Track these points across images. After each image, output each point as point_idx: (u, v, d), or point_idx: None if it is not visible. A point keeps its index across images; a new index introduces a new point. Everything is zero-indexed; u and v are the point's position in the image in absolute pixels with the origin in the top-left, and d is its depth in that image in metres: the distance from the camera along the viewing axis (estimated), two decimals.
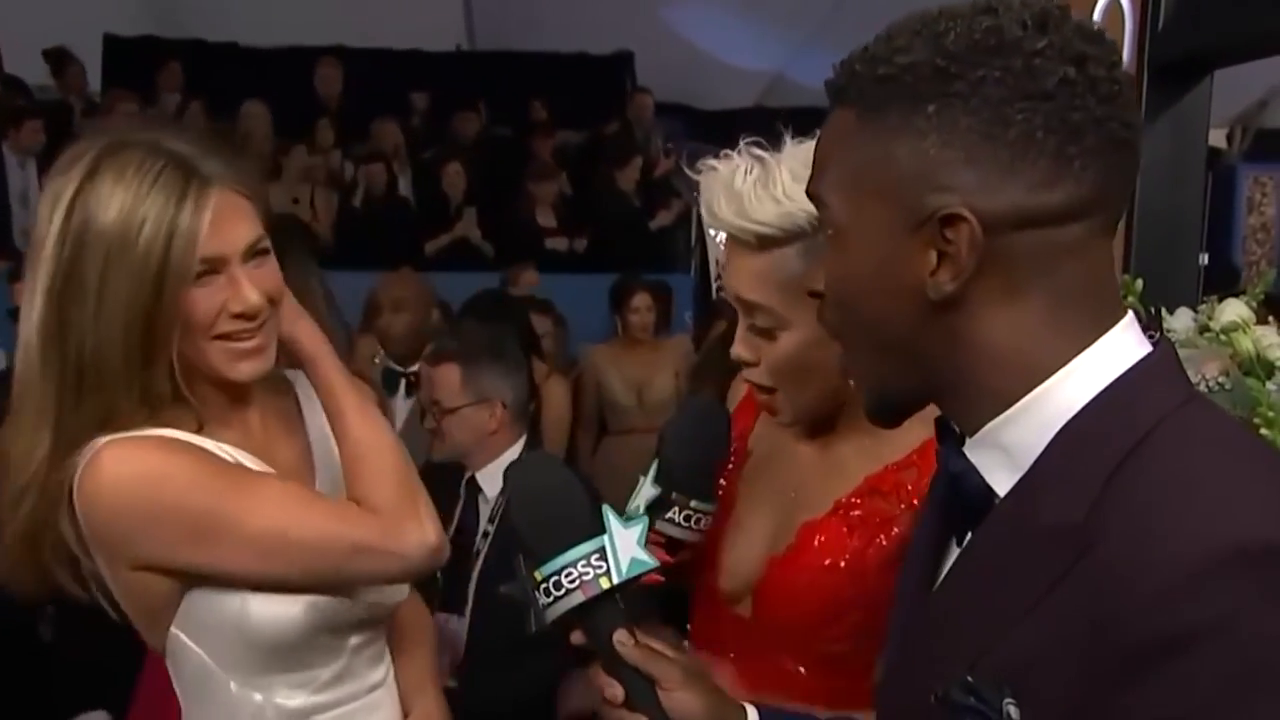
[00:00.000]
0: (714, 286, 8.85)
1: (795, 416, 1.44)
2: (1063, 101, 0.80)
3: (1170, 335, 1.79)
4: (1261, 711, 0.70)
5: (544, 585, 1.12)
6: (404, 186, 7.18)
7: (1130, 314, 0.87)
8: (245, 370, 1.35)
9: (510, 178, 7.41)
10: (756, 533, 1.50)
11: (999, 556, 0.85)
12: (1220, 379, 1.65)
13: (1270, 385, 1.65)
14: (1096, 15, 2.20)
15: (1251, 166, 9.10)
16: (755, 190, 1.32)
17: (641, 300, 4.99)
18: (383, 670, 1.54)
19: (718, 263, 9.07)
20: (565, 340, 5.08)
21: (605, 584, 1.12)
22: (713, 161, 1.37)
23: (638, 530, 1.16)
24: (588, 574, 1.12)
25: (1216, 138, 9.15)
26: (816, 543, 1.42)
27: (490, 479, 2.65)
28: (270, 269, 1.35)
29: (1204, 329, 1.78)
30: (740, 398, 1.65)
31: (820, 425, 1.49)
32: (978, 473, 0.87)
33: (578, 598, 1.12)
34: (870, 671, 1.07)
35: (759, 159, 1.33)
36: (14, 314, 3.24)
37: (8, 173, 6.41)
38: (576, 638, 1.15)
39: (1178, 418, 0.81)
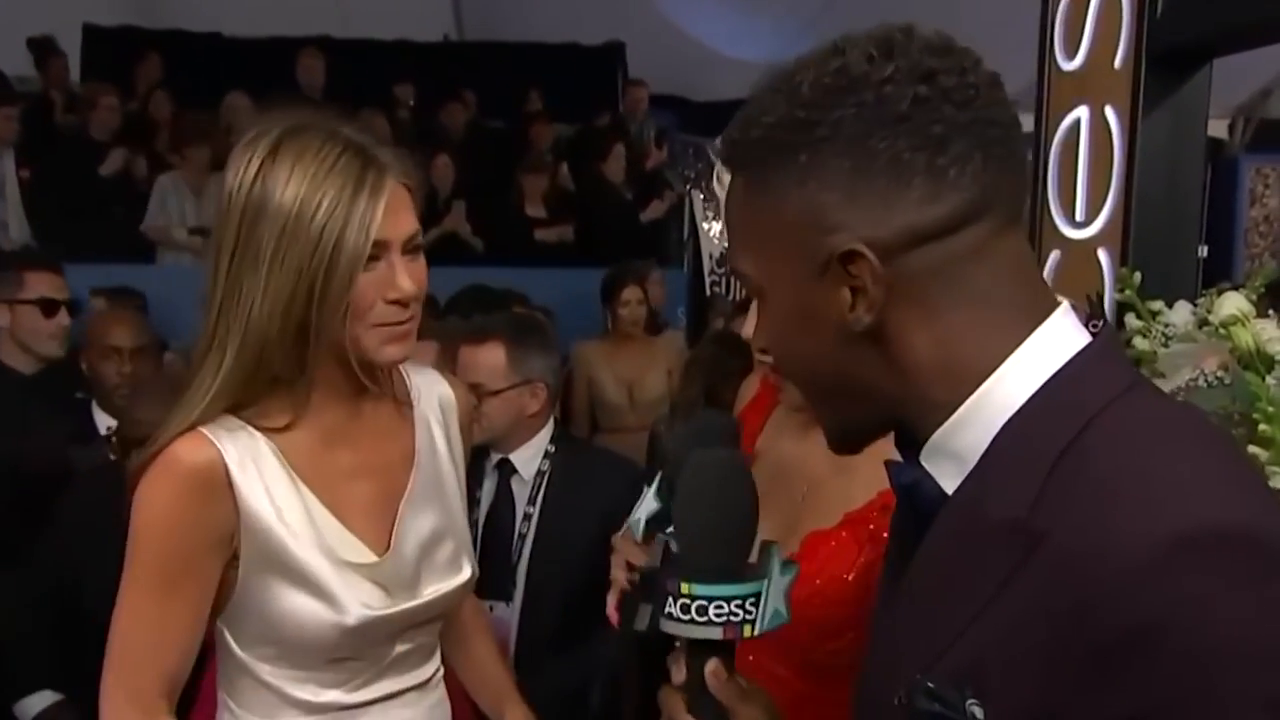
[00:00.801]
0: (707, 281, 8.86)
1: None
2: (920, 119, 0.82)
3: (1169, 329, 1.76)
4: (1228, 694, 0.70)
5: (686, 601, 1.01)
6: None
7: (1065, 304, 0.88)
8: (392, 353, 1.39)
9: (500, 170, 7.37)
10: (761, 537, 1.46)
11: (948, 556, 0.86)
12: (1219, 373, 1.62)
13: (1270, 380, 1.62)
14: (1093, 3, 2.18)
15: (1254, 158, 9.11)
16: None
17: (632, 294, 4.89)
18: (429, 669, 1.56)
19: (711, 257, 9.07)
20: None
21: (748, 632, 1.02)
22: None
23: (789, 580, 1.06)
24: (737, 616, 1.02)
25: (1219, 129, 9.13)
26: (822, 553, 1.40)
27: (526, 461, 2.58)
28: (421, 265, 1.41)
29: (1203, 322, 1.75)
30: (750, 397, 1.63)
31: None
32: (932, 480, 0.89)
33: (715, 633, 1.02)
34: None
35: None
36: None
37: None
38: (677, 674, 1.06)
39: (1119, 406, 0.82)
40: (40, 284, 3.14)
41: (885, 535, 1.32)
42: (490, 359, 2.51)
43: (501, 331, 2.56)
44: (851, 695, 1.02)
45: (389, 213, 1.34)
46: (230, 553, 1.36)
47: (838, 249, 0.84)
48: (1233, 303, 1.73)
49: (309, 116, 1.38)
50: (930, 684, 0.81)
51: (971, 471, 0.85)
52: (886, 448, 1.38)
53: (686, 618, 1.01)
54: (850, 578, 1.37)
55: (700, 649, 1.05)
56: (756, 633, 1.03)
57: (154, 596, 1.34)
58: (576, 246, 7.25)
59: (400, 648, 1.48)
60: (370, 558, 1.42)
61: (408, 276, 1.36)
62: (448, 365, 2.51)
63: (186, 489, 1.33)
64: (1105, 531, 0.73)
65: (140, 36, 8.12)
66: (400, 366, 1.53)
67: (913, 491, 0.91)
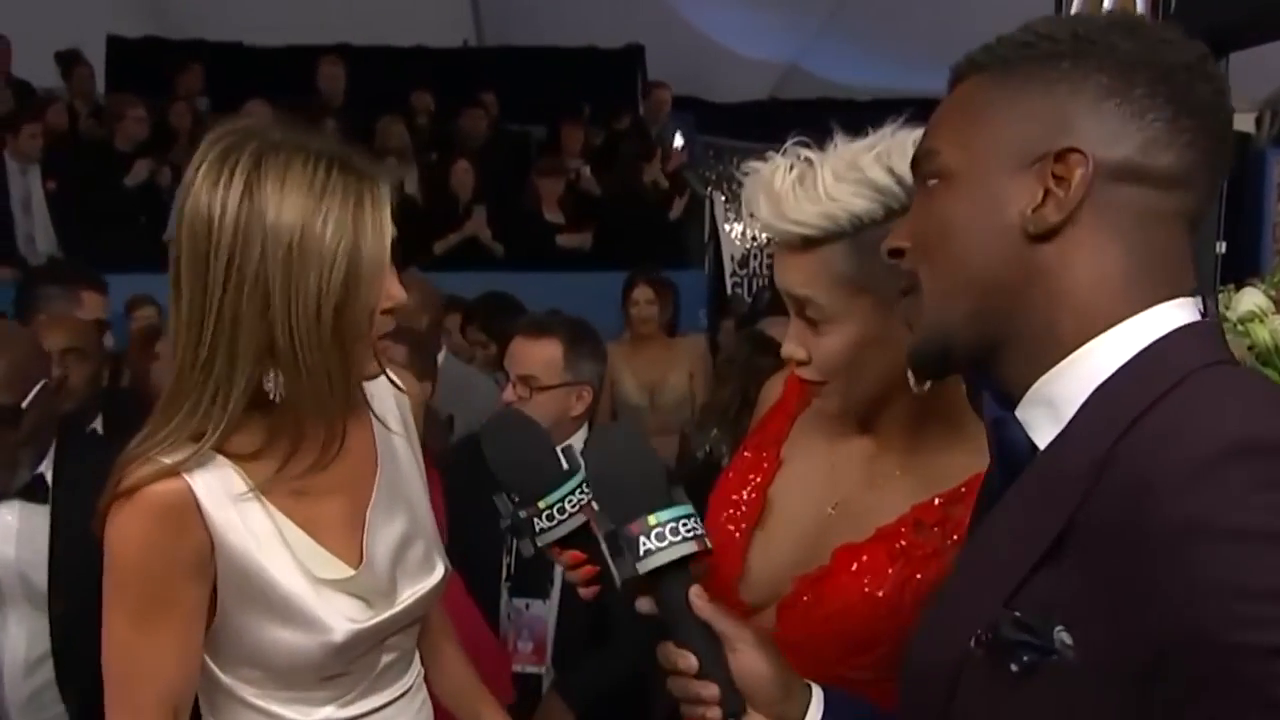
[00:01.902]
0: (728, 283, 8.86)
1: (844, 407, 1.41)
2: (1183, 81, 0.88)
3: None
4: (1272, 582, 0.72)
5: (660, 529, 1.16)
6: (410, 185, 7.15)
7: (1195, 296, 0.92)
8: (374, 367, 1.38)
9: (520, 175, 7.39)
10: (786, 546, 1.44)
11: (1029, 498, 0.89)
12: None
13: None
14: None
15: None
16: (795, 191, 1.31)
17: (641, 293, 4.84)
18: (412, 674, 1.56)
19: (732, 258, 9.07)
20: None
21: (709, 543, 1.18)
22: (755, 163, 1.37)
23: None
24: (698, 529, 1.17)
25: (1245, 123, 9.03)
26: (854, 568, 1.36)
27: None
28: (394, 274, 1.37)
29: (1221, 319, 1.74)
30: (772, 401, 1.60)
31: (865, 430, 1.46)
32: (1020, 426, 0.93)
33: (692, 546, 1.16)
34: (890, 702, 1.04)
35: (803, 159, 1.33)
36: (21, 315, 3.31)
37: (9, 180, 6.41)
38: (644, 604, 1.18)
39: (1207, 372, 0.85)
40: (95, 306, 3.19)
41: (918, 552, 1.33)
42: (547, 353, 2.54)
43: (561, 330, 2.59)
44: (903, 661, 1.02)
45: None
46: (211, 579, 1.33)
47: (1060, 145, 0.88)
48: (1250, 299, 1.72)
49: (264, 124, 1.32)
50: (1018, 613, 0.83)
51: (1066, 426, 0.89)
52: (921, 463, 1.40)
53: (664, 543, 1.15)
54: (882, 594, 1.33)
55: (671, 580, 1.16)
56: (710, 546, 1.18)
57: (138, 627, 1.30)
58: (596, 250, 7.26)
59: (386, 657, 1.48)
60: (346, 572, 1.40)
61: (398, 284, 1.35)
62: (414, 366, 2.53)
63: (157, 523, 1.29)
64: (1171, 444, 0.78)
65: (164, 47, 8.20)
66: None
67: (999, 431, 0.95)
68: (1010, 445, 0.94)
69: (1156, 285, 0.89)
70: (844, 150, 1.32)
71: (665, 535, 1.15)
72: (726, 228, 9.04)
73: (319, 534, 1.40)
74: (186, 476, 1.30)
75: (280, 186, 1.25)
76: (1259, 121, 9.30)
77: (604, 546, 1.19)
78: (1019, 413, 0.94)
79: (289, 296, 1.25)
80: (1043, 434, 0.91)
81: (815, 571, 1.38)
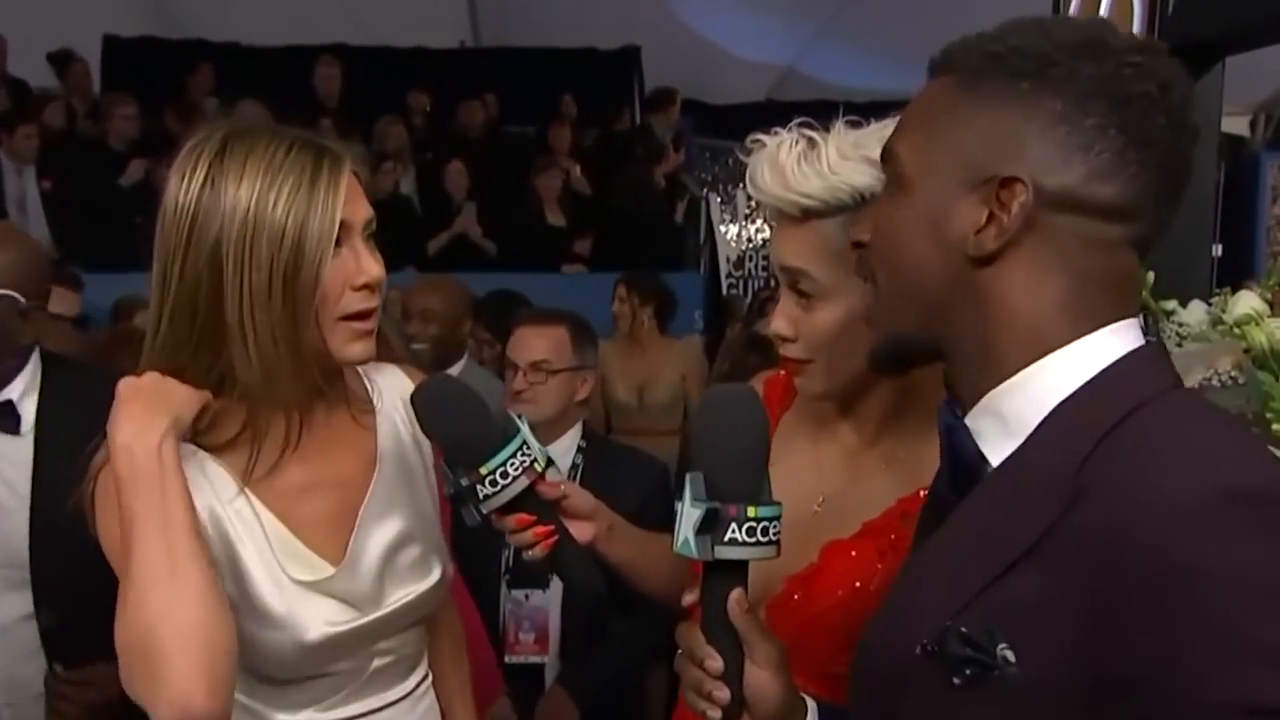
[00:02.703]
0: (724, 284, 8.86)
1: (827, 388, 1.41)
2: (1139, 111, 0.89)
3: (1183, 329, 1.75)
4: (1259, 635, 0.75)
5: (752, 525, 1.10)
6: (406, 186, 7.15)
7: (1138, 318, 0.94)
8: (357, 351, 1.36)
9: (517, 175, 7.39)
10: None
11: (989, 512, 0.91)
12: (1233, 373, 1.61)
13: None
14: (1105, 2, 2.16)
15: (1275, 155, 9.07)
16: (800, 164, 1.33)
17: (619, 291, 4.88)
18: (413, 680, 1.52)
19: (728, 260, 9.07)
20: None
21: (778, 552, 1.12)
22: (761, 136, 1.38)
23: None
24: (779, 535, 1.12)
25: (1240, 126, 9.08)
26: (843, 563, 1.37)
27: (561, 455, 2.66)
28: (378, 255, 1.37)
29: (1217, 322, 1.74)
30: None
31: (845, 415, 1.47)
32: (969, 435, 0.95)
33: (771, 551, 1.11)
34: None
35: (807, 137, 1.35)
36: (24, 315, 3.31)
37: (4, 179, 6.41)
38: (688, 599, 1.15)
39: (1166, 398, 0.89)
40: (66, 302, 3.18)
41: (905, 545, 1.30)
42: (557, 338, 2.66)
43: (565, 317, 2.74)
44: (853, 656, 1.03)
45: (348, 197, 1.32)
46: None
47: (1004, 172, 0.90)
48: (1246, 302, 1.72)
49: (253, 122, 1.36)
50: (963, 629, 0.85)
51: (1024, 443, 0.91)
52: (905, 455, 1.41)
53: (751, 540, 1.09)
54: (872, 588, 1.34)
55: (724, 576, 1.12)
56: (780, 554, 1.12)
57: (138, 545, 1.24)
58: (595, 252, 7.27)
59: (379, 661, 1.45)
60: (325, 571, 1.38)
61: (374, 262, 1.34)
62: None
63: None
64: (1145, 488, 0.80)
65: (161, 47, 8.20)
66: (359, 369, 1.51)
67: (950, 436, 0.97)
68: (960, 453, 0.96)
69: (1098, 310, 0.91)
70: (849, 133, 1.35)
71: (755, 532, 1.09)
72: (722, 229, 9.04)
73: (302, 530, 1.38)
74: None
75: (240, 168, 1.28)
76: (1254, 124, 9.34)
77: (685, 510, 1.11)
78: (969, 421, 0.95)
79: (241, 267, 1.26)
80: (994, 446, 0.93)
81: (804, 570, 1.39)
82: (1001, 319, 0.92)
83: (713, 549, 1.09)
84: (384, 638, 1.44)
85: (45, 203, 6.48)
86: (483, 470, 1.32)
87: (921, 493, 1.35)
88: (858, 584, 1.35)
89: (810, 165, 1.33)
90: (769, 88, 10.18)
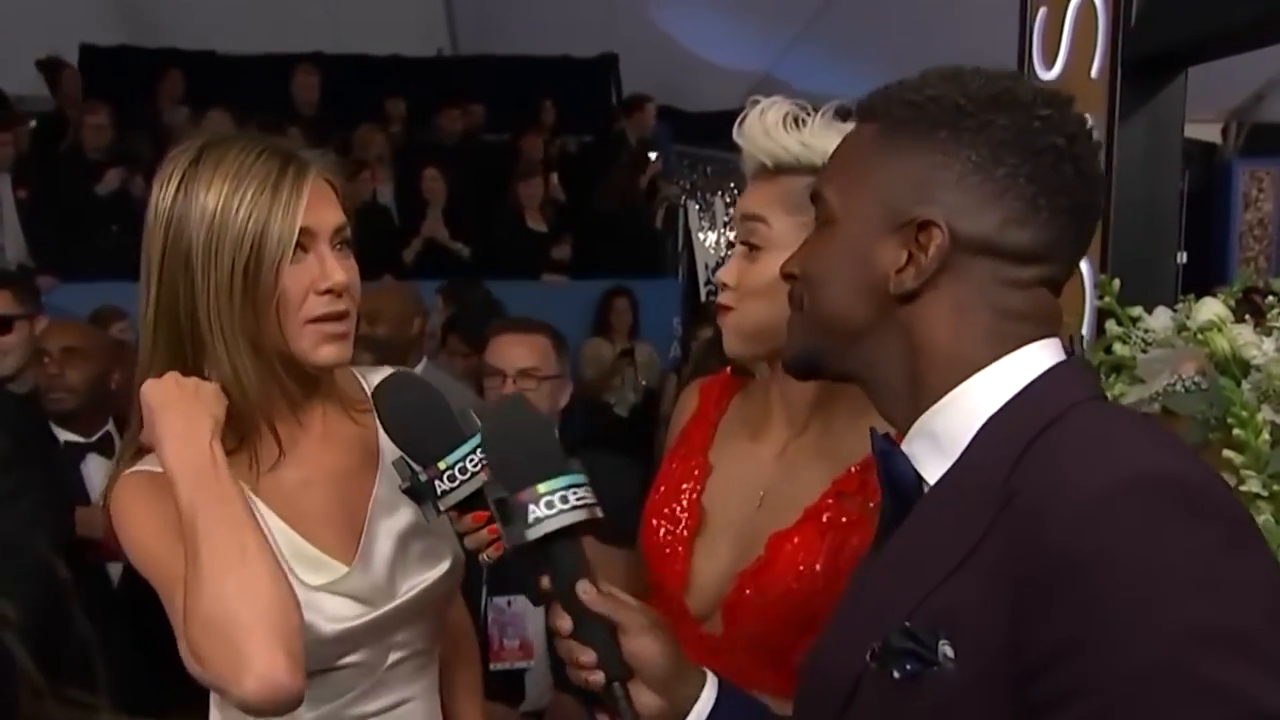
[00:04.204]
0: (702, 291, 8.88)
1: (741, 342, 1.48)
2: (1048, 161, 0.94)
3: (1149, 335, 1.78)
4: (1161, 618, 0.77)
5: (550, 497, 1.15)
6: (385, 196, 7.14)
7: (1057, 339, 0.99)
8: (327, 354, 1.38)
9: (497, 183, 7.39)
10: (723, 548, 1.49)
11: (929, 526, 0.95)
12: (1196, 378, 1.64)
13: (1245, 385, 1.63)
14: (1070, 11, 2.20)
15: (1247, 162, 9.12)
16: (785, 122, 1.45)
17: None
18: (420, 685, 1.53)
19: (706, 266, 9.09)
20: None
21: (599, 512, 1.17)
22: (759, 97, 1.49)
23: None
24: (588, 498, 1.17)
25: (1212, 133, 9.15)
26: (787, 551, 1.42)
27: None
28: (352, 263, 1.41)
29: (1181, 328, 1.77)
30: (689, 413, 1.64)
31: (778, 414, 1.52)
32: (905, 459, 0.99)
33: (582, 515, 1.16)
34: None
35: (800, 108, 1.46)
36: (4, 323, 3.28)
37: None
38: (546, 583, 1.19)
39: (1084, 406, 0.93)
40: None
41: (844, 520, 1.40)
42: (542, 345, 2.69)
43: (544, 326, 2.77)
44: (800, 665, 1.06)
45: (314, 204, 1.35)
46: None
47: (921, 216, 0.95)
48: (1210, 308, 1.74)
49: (233, 132, 1.41)
50: (907, 624, 0.89)
51: (957, 460, 0.95)
52: (832, 442, 1.46)
53: (552, 510, 1.15)
54: (819, 567, 1.40)
55: (562, 548, 1.16)
56: (600, 514, 1.17)
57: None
58: (575, 259, 7.28)
59: (395, 655, 1.47)
60: (338, 571, 1.41)
61: (338, 267, 1.37)
62: None
63: (151, 493, 1.32)
64: (1060, 481, 0.84)
65: (138, 56, 8.14)
66: (354, 370, 1.53)
67: (886, 462, 1.01)
68: (898, 477, 1.00)
69: (1017, 335, 0.96)
70: (833, 112, 1.48)
71: (554, 503, 1.15)
72: (700, 236, 9.07)
73: (308, 530, 1.41)
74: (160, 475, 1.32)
75: (210, 175, 1.33)
76: (1225, 132, 9.41)
77: (495, 514, 1.18)
78: (906, 447, 1.00)
79: (207, 270, 1.32)
80: (930, 467, 0.98)
81: (753, 564, 1.44)
82: (923, 349, 0.97)
83: (523, 532, 1.15)
84: (399, 629, 1.46)
85: (21, 211, 6.45)
86: (441, 465, 1.33)
87: (854, 469, 1.43)
88: (804, 568, 1.40)
89: (793, 126, 1.45)
90: (745, 94, 10.11)
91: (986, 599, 0.85)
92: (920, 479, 0.99)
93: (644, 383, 5.04)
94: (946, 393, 0.96)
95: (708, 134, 9.50)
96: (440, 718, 1.58)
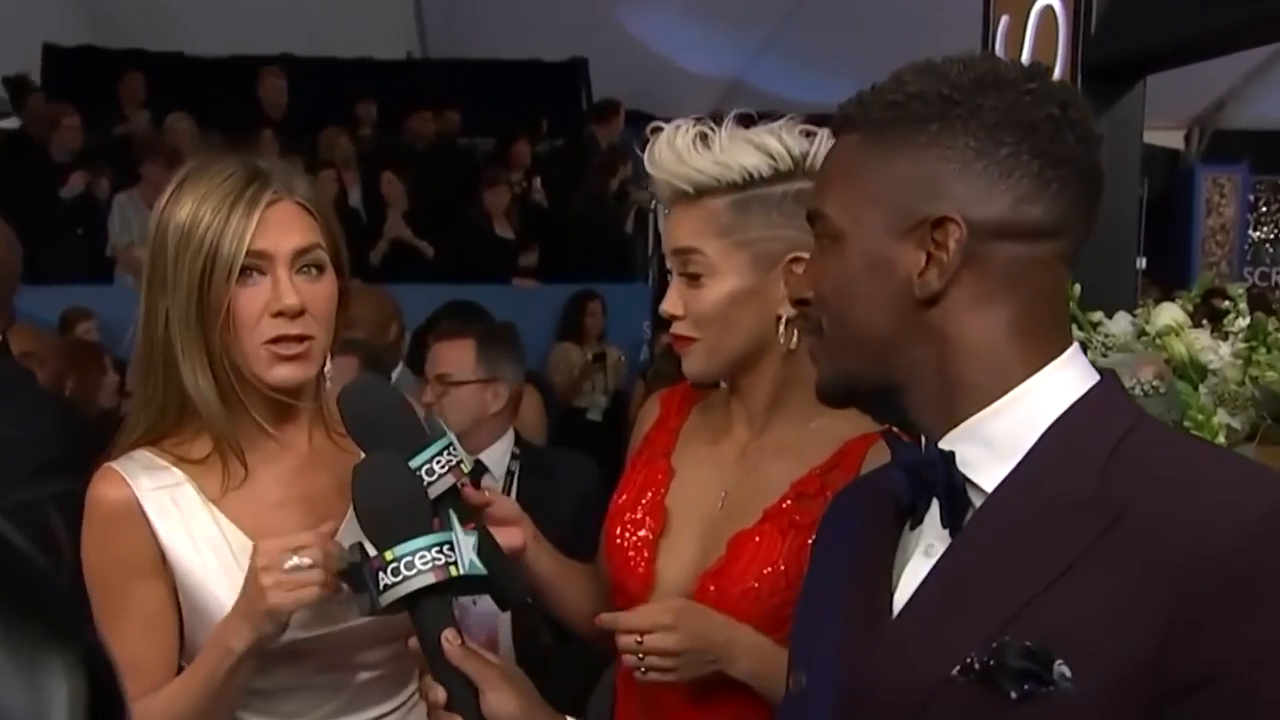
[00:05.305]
0: None
1: (706, 367, 1.49)
2: (1046, 134, 0.93)
3: (1110, 339, 1.80)
4: None
5: (396, 564, 1.17)
6: (354, 198, 7.10)
7: (1076, 343, 0.99)
8: (282, 374, 1.38)
9: (465, 187, 7.37)
10: (687, 550, 1.51)
11: (1007, 535, 0.92)
12: (1155, 383, 1.66)
13: (1203, 389, 1.66)
14: (1031, 18, 2.23)
15: (1209, 168, 9.22)
16: (695, 145, 1.44)
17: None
18: (398, 699, 1.52)
19: None
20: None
21: (454, 571, 1.19)
22: (660, 124, 1.49)
23: (474, 540, 1.23)
24: (440, 560, 1.18)
25: (1175, 139, 9.25)
26: (749, 550, 1.44)
27: (495, 461, 2.71)
28: (321, 287, 1.41)
29: (1141, 333, 1.79)
30: (651, 420, 1.65)
31: (737, 417, 1.54)
32: (948, 459, 0.95)
33: (429, 578, 1.17)
34: None
35: (703, 126, 1.46)
36: None
37: None
38: (414, 643, 1.22)
39: (1148, 422, 0.95)
40: None
41: (806, 520, 1.40)
42: (459, 353, 2.71)
43: (474, 332, 2.78)
44: (850, 689, 0.98)
45: (273, 226, 1.36)
46: (170, 583, 1.38)
47: (934, 214, 0.93)
48: (1168, 314, 1.77)
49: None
50: (1027, 643, 0.86)
51: (1021, 462, 0.93)
52: (793, 441, 1.47)
53: (399, 578, 1.16)
54: (782, 567, 1.41)
55: (424, 611, 1.19)
56: (463, 571, 1.19)
57: (106, 626, 1.32)
58: (544, 264, 7.27)
59: (364, 675, 1.46)
60: None
61: (292, 290, 1.36)
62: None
63: (102, 526, 1.37)
64: (1202, 505, 0.85)
65: (101, 56, 8.05)
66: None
67: (923, 469, 0.97)
68: (949, 483, 0.95)
69: (1049, 334, 0.96)
70: (739, 121, 1.48)
71: (400, 570, 1.16)
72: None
73: None
74: (130, 483, 1.36)
75: (187, 192, 1.37)
76: (1188, 138, 9.52)
77: (348, 580, 1.21)
78: (948, 442, 0.96)
79: (174, 285, 1.36)
80: (985, 472, 0.94)
81: (714, 565, 1.46)
82: (960, 351, 0.94)
83: (375, 600, 1.18)
84: (362, 651, 1.45)
85: None
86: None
87: (814, 471, 1.45)
88: (767, 570, 1.42)
89: (704, 145, 1.44)
90: (715, 100, 10.19)
91: (1110, 615, 0.84)
92: (964, 479, 0.95)
93: (614, 387, 5.03)
94: (999, 393, 0.94)
95: None
96: None
